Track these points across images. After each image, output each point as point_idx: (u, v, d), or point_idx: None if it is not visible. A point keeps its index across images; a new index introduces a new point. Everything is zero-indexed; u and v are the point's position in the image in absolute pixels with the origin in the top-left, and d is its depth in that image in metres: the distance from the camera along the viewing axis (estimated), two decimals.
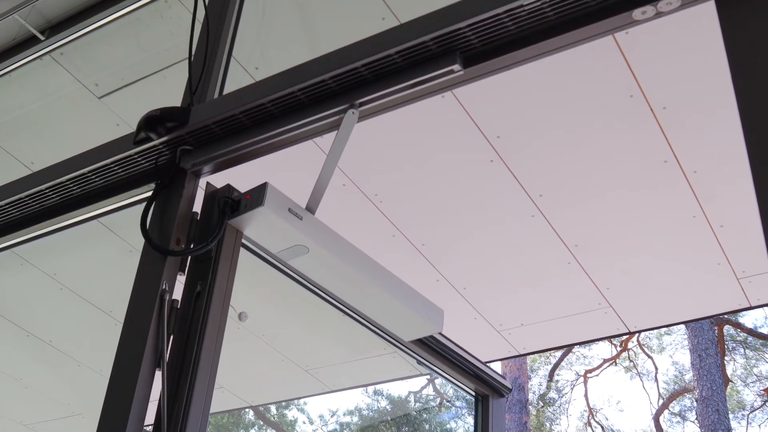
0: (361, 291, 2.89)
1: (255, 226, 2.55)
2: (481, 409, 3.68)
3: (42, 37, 4.00)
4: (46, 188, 2.87)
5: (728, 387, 18.09)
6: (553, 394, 21.75)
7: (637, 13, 2.00)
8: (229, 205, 2.50)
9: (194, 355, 2.28)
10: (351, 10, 3.37)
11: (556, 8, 2.05)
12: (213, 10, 3.08)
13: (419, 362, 3.56)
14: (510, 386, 3.78)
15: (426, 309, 3.06)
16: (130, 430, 2.18)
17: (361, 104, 2.35)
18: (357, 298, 2.97)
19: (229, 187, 2.54)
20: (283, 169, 3.16)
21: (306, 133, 2.48)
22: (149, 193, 2.63)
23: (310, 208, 2.64)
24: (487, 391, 3.68)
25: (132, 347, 2.32)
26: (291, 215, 2.52)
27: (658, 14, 2.00)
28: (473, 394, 3.72)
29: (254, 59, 3.36)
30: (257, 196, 2.47)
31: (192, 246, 2.52)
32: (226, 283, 2.44)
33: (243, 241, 2.59)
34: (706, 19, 2.36)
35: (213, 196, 2.56)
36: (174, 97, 2.87)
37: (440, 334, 3.43)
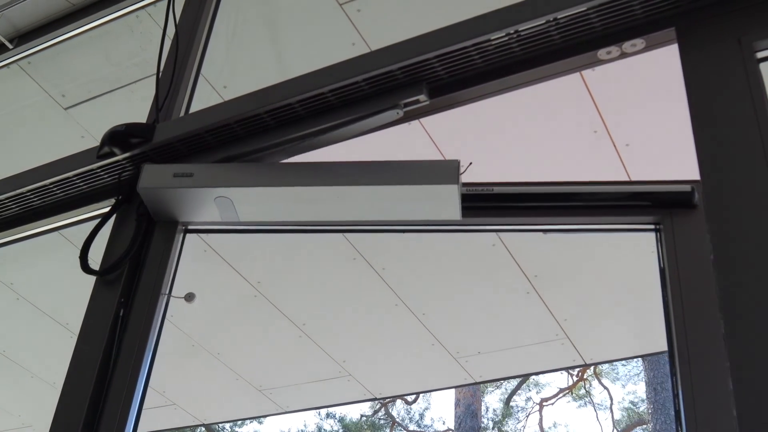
0: (336, 199, 2.36)
1: (175, 209, 2.44)
2: (664, 240, 2.27)
3: (10, 46, 3.97)
4: (6, 198, 2.83)
5: None
6: (508, 422, 21.76)
7: (602, 53, 2.03)
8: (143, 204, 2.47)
9: (112, 364, 2.25)
10: (322, 33, 3.38)
11: (523, 44, 2.08)
12: (183, 27, 3.07)
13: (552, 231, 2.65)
14: (691, 188, 2.35)
15: (427, 172, 2.30)
16: None
17: (332, 128, 2.36)
18: (337, 208, 2.42)
19: None
20: None
21: (271, 155, 2.48)
22: (108, 209, 2.61)
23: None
24: (661, 216, 2.34)
25: (84, 361, 2.29)
26: (180, 178, 2.38)
27: (623, 55, 2.03)
28: (647, 228, 2.39)
29: (223, 77, 3.36)
30: None
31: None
32: (153, 282, 2.38)
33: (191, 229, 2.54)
34: (672, 61, 2.39)
35: None
36: (141, 113, 2.86)
37: (574, 182, 2.43)
